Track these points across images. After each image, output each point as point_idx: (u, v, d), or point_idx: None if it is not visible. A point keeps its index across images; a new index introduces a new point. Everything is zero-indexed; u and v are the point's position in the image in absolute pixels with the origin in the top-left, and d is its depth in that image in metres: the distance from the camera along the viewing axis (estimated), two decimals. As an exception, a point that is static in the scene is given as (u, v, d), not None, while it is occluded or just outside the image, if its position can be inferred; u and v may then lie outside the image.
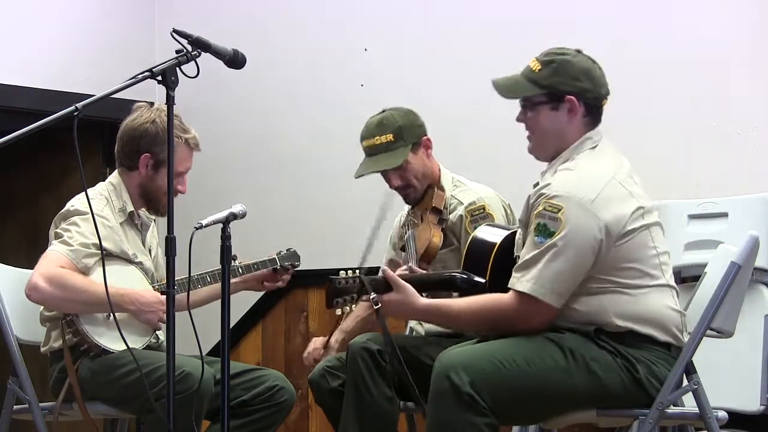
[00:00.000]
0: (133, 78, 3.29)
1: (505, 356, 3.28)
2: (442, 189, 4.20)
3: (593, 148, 3.45)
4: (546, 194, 3.32)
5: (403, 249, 4.25)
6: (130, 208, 4.11)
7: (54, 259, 3.89)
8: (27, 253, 6.44)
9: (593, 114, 3.47)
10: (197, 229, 3.53)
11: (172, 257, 3.28)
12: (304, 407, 5.71)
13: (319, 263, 5.64)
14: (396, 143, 4.15)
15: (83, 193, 3.86)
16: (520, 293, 3.30)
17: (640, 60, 4.98)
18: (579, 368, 3.29)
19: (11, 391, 4.01)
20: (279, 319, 5.47)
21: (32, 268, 4.37)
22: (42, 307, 4.07)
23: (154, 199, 4.13)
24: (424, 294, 3.47)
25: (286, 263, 4.29)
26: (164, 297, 3.67)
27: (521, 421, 3.81)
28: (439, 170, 4.27)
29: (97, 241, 3.86)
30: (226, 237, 3.54)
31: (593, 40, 4.96)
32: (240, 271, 4.22)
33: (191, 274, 3.61)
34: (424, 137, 4.21)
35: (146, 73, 3.27)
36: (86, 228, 3.95)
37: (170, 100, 3.31)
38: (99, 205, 4.04)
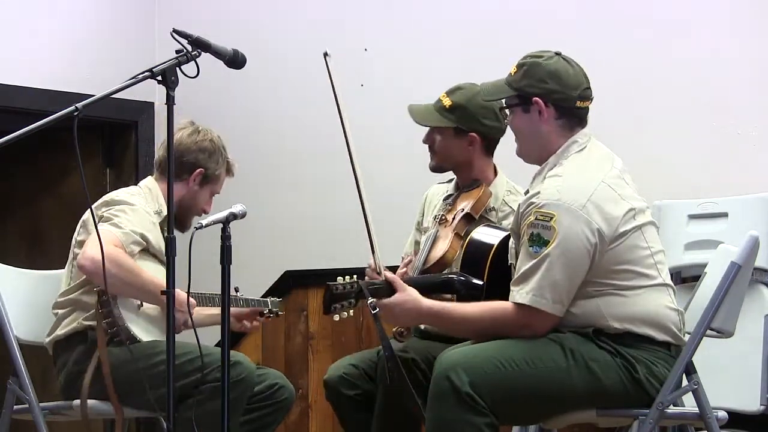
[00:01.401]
0: (133, 78, 3.29)
1: (504, 357, 3.29)
2: (489, 193, 4.09)
3: (580, 150, 3.45)
4: (536, 203, 3.33)
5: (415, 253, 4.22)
6: (165, 212, 4.14)
7: (108, 238, 3.88)
8: (27, 253, 6.45)
9: (567, 116, 3.46)
10: (197, 229, 3.54)
11: (172, 257, 3.29)
12: (304, 407, 5.71)
13: (319, 264, 5.66)
14: (447, 112, 4.10)
15: (121, 189, 4.21)
16: (521, 305, 3.30)
17: (640, 60, 4.98)
18: (579, 368, 3.30)
19: (11, 391, 4.01)
20: (279, 319, 5.46)
21: (32, 268, 4.40)
22: (60, 291, 4.08)
23: (186, 213, 4.23)
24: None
25: (274, 309, 4.44)
26: (191, 300, 3.84)
27: (521, 421, 3.81)
28: (495, 173, 4.18)
29: (145, 233, 4.02)
30: (226, 237, 3.54)
31: (593, 41, 4.98)
32: (241, 302, 4.31)
33: (190, 278, 3.60)
34: (473, 133, 4.10)
35: (146, 73, 3.27)
36: (135, 217, 4.04)
37: (170, 100, 3.31)
38: (141, 201, 4.13)
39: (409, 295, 3.43)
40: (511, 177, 4.23)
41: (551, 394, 3.31)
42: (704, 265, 3.71)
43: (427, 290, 3.69)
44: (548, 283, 3.28)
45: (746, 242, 3.46)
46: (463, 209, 4.04)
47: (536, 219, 3.30)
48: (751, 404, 4.20)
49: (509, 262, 3.50)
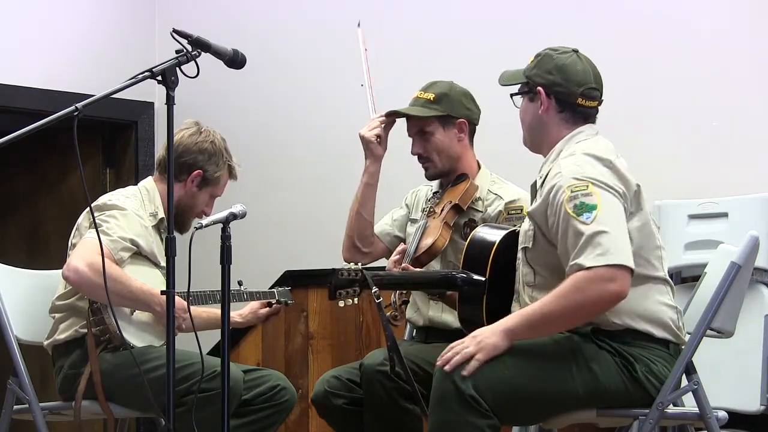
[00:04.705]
0: (133, 78, 3.29)
1: (506, 359, 3.29)
2: (475, 185, 4.14)
3: (587, 140, 3.47)
4: (562, 182, 3.32)
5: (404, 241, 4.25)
6: (161, 214, 4.13)
7: (94, 246, 3.87)
8: (27, 253, 6.45)
9: (570, 111, 3.49)
10: (197, 229, 3.54)
11: (172, 257, 3.28)
12: (304, 407, 5.71)
13: (319, 264, 5.65)
14: (433, 104, 4.13)
15: (117, 191, 4.17)
16: (599, 267, 3.21)
17: (640, 60, 4.98)
18: (580, 369, 3.30)
19: (11, 391, 4.01)
20: (279, 319, 5.47)
21: (32, 268, 4.40)
22: (56, 295, 4.09)
23: (184, 215, 4.20)
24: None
25: (282, 299, 4.39)
26: (188, 305, 3.82)
27: (523, 421, 3.81)
28: (478, 165, 4.23)
29: (134, 238, 3.98)
30: (226, 237, 3.54)
31: (592, 41, 4.97)
32: (245, 296, 4.29)
33: (190, 278, 3.60)
34: (462, 120, 4.16)
35: (146, 73, 3.27)
36: (125, 222, 4.01)
37: (170, 100, 3.31)
38: (135, 204, 4.11)
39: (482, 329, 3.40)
40: (513, 174, 4.24)
41: (553, 395, 3.31)
42: (704, 265, 3.71)
43: (426, 285, 3.71)
44: (614, 239, 3.23)
45: (746, 242, 3.46)
46: (451, 201, 4.09)
47: (572, 192, 3.29)
48: (751, 404, 4.20)
49: (521, 246, 3.48)
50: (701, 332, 3.40)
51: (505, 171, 4.29)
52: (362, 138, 4.23)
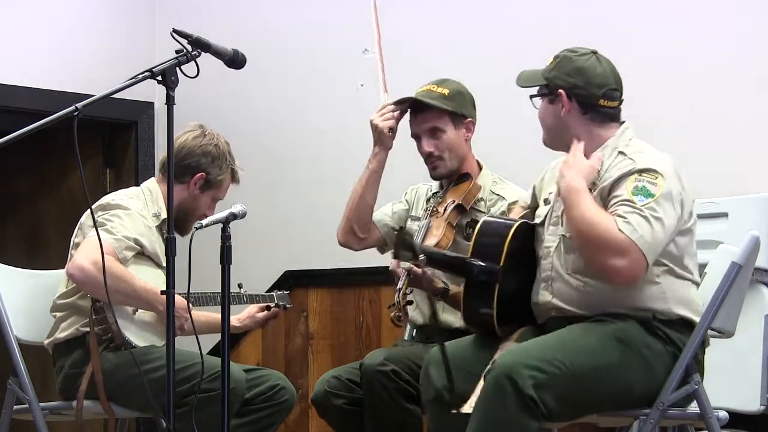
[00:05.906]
0: (133, 78, 3.29)
1: (565, 356, 3.26)
2: (478, 185, 4.15)
3: (635, 137, 3.54)
4: (638, 169, 3.37)
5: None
6: (164, 215, 4.13)
7: (98, 245, 3.86)
8: (27, 253, 6.45)
9: (593, 113, 3.52)
10: (197, 229, 3.54)
11: (172, 257, 3.28)
12: (304, 407, 5.71)
13: (319, 264, 5.66)
14: (448, 100, 4.12)
15: (120, 191, 4.19)
16: (628, 238, 3.26)
17: (640, 60, 4.97)
18: (635, 361, 3.32)
19: (11, 391, 4.01)
20: (279, 319, 5.47)
21: (32, 268, 4.40)
22: (57, 294, 4.09)
23: (186, 217, 4.19)
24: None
25: (280, 303, 4.43)
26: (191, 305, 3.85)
27: (574, 417, 3.71)
28: (479, 165, 4.23)
29: (138, 237, 3.99)
30: (226, 237, 3.54)
31: (593, 42, 4.96)
32: (245, 299, 4.30)
33: (190, 278, 3.60)
34: (470, 120, 4.17)
35: (146, 73, 3.27)
36: (129, 222, 4.02)
37: (170, 100, 3.31)
38: (138, 205, 4.12)
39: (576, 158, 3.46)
40: (513, 176, 4.24)
41: (610, 392, 3.31)
42: (704, 265, 3.71)
43: (440, 265, 3.71)
44: (653, 231, 3.28)
45: (747, 242, 3.47)
46: (454, 201, 4.08)
47: (640, 175, 3.36)
48: (751, 404, 4.19)
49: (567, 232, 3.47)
50: (701, 332, 3.40)
51: (504, 171, 4.29)
52: (375, 126, 4.18)
